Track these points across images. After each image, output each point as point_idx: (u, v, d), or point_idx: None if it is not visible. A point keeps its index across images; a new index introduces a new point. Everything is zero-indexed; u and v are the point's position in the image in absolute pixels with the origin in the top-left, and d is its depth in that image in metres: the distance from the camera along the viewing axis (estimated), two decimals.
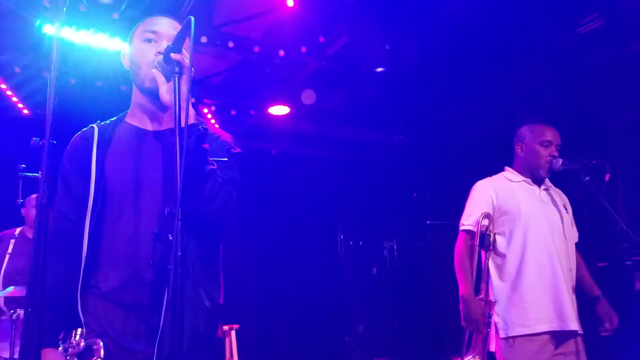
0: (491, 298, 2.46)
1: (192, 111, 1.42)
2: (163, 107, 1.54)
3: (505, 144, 5.22)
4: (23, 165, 1.31)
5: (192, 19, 1.32)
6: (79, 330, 1.41)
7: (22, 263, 4.01)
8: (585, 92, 4.92)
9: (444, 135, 6.07)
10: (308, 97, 5.11)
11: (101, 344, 1.39)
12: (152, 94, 1.50)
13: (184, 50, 1.40)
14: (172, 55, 1.37)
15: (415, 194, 6.83)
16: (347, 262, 7.09)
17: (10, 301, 3.37)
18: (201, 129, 1.40)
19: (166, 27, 1.59)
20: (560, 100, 5.03)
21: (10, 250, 4.04)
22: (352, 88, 5.38)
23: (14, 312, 3.28)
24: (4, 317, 3.53)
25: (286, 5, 3.67)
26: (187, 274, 1.40)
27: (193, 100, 1.56)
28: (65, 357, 1.39)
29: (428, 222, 5.70)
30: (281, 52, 4.54)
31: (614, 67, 4.64)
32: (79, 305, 1.45)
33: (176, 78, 1.36)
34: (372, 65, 4.00)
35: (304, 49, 4.61)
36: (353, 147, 6.52)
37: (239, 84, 5.17)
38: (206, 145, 1.41)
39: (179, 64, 1.37)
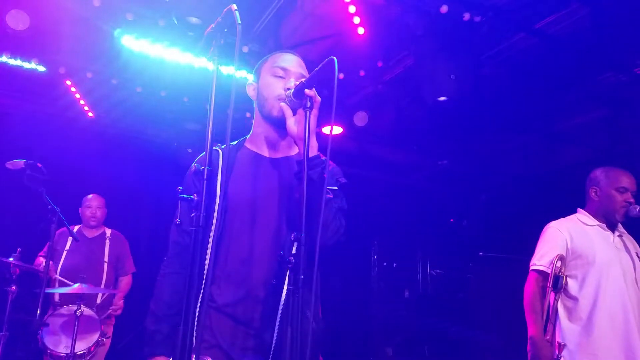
0: (559, 340, 2.46)
1: (315, 142, 1.51)
2: (282, 135, 1.65)
3: (548, 181, 5.25)
4: (180, 188, 1.40)
5: (335, 59, 1.40)
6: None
7: (78, 259, 4.16)
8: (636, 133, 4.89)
9: (487, 165, 6.08)
10: (361, 119, 5.17)
11: None
12: (278, 124, 1.62)
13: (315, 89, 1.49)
14: (307, 91, 1.47)
15: (452, 220, 6.83)
16: (379, 283, 7.09)
17: (75, 298, 3.47)
18: (323, 160, 1.49)
19: (294, 65, 1.71)
20: (610, 141, 5.01)
21: (67, 247, 4.19)
22: (403, 112, 5.44)
23: (78, 308, 3.38)
24: (63, 311, 3.65)
25: (357, 32, 3.75)
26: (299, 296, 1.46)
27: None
28: None
29: (481, 253, 5.67)
30: (341, 75, 4.63)
31: None
32: (197, 318, 1.50)
33: (307, 112, 1.45)
34: (435, 94, 4.04)
35: (362, 73, 4.69)
36: (396, 169, 6.55)
37: None
38: (325, 175, 1.49)
39: (311, 99, 1.46)
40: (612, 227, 2.65)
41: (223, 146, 1.72)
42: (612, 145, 4.97)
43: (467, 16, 3.56)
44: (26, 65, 4.48)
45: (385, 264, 7.27)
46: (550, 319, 2.52)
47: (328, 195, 1.51)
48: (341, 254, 6.74)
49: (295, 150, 1.76)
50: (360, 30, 3.68)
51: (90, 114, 5.17)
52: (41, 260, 4.03)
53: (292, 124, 1.54)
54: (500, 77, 4.57)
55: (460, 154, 6.04)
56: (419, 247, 7.02)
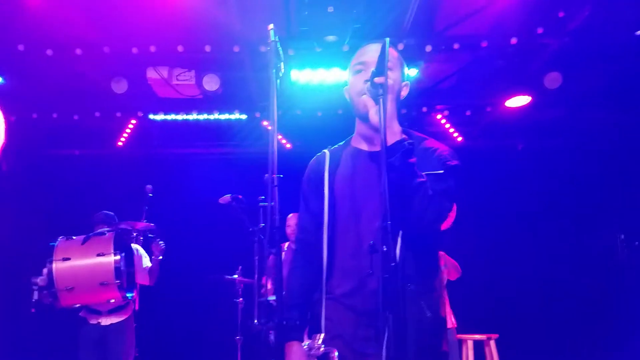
0: None
1: (397, 128, 1.54)
2: (376, 129, 1.63)
3: None
4: (262, 197, 1.57)
5: (387, 40, 1.43)
6: (321, 335, 1.58)
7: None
8: None
9: None
10: (553, 80, 4.57)
11: (336, 353, 1.53)
12: (365, 119, 1.64)
13: (389, 72, 1.52)
14: (375, 79, 1.48)
15: None
16: (631, 265, 5.97)
17: None
18: (406, 144, 1.48)
19: (373, 53, 1.67)
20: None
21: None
22: (606, 61, 4.58)
23: None
24: None
25: None
26: (405, 284, 1.50)
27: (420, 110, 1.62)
28: (308, 354, 1.56)
29: None
30: (513, 40, 4.20)
31: None
32: (323, 309, 1.65)
33: (380, 100, 1.47)
34: (630, 29, 3.30)
35: (540, 30, 4.16)
36: (614, 130, 5.50)
37: (470, 83, 4.98)
38: (413, 160, 1.48)
39: (381, 86, 1.47)
40: None
41: (333, 147, 1.84)
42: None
43: None
44: None
45: (637, 243, 6.12)
46: None
47: (420, 180, 1.49)
48: (575, 235, 5.89)
49: (395, 140, 1.75)
50: None
51: (288, 146, 5.81)
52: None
53: (373, 114, 1.55)
54: None
55: None
56: None
